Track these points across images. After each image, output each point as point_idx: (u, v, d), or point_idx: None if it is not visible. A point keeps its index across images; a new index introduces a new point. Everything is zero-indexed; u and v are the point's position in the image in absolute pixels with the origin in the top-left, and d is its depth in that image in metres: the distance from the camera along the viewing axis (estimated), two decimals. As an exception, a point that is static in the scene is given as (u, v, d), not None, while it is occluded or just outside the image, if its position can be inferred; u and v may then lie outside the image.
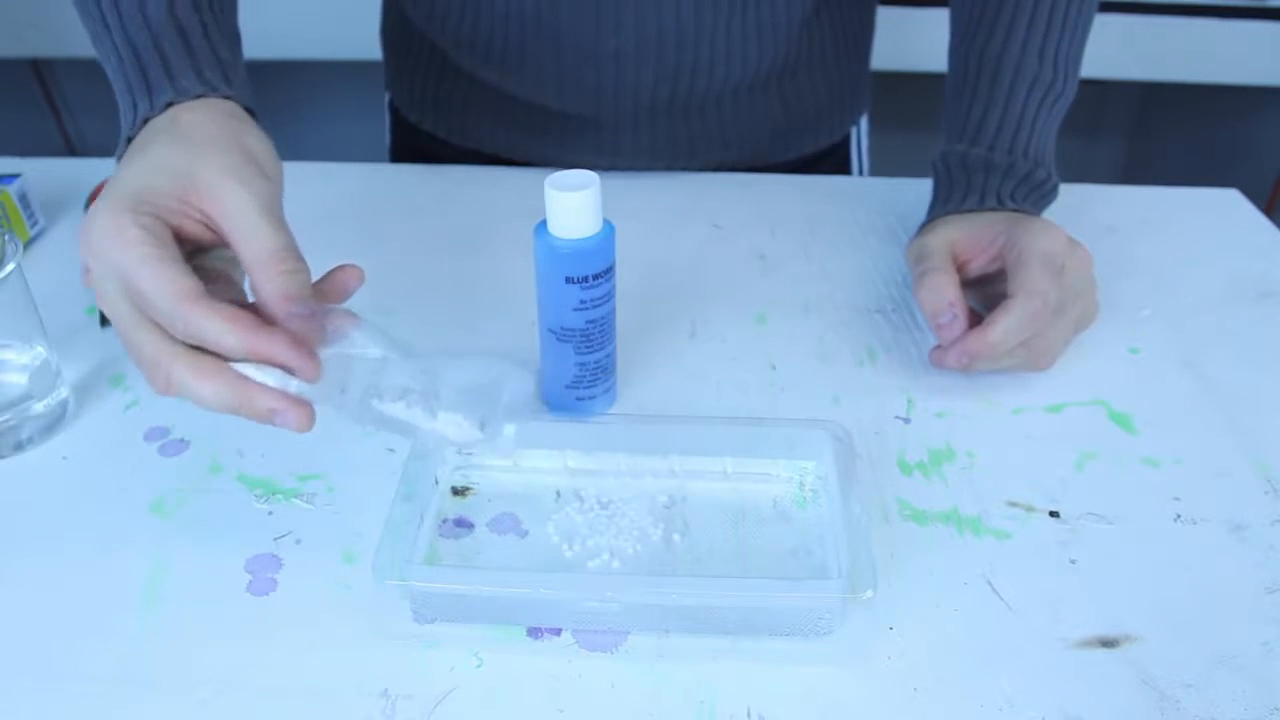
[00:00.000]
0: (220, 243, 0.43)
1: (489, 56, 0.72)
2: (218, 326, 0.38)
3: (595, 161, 0.75)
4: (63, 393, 0.53)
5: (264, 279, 0.40)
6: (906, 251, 0.62)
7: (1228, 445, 0.52)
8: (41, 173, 0.71)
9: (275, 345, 0.39)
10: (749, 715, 0.39)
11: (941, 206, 0.61)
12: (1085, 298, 0.56)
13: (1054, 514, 0.48)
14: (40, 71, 1.80)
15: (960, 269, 0.57)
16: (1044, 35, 0.61)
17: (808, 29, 0.73)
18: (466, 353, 0.41)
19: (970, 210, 0.60)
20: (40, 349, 0.52)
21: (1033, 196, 0.60)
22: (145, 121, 0.46)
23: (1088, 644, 0.42)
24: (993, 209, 0.59)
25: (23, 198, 0.67)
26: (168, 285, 0.38)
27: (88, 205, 0.70)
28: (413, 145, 0.84)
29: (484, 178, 0.76)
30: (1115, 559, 0.46)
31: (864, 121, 0.87)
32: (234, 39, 0.52)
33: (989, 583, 0.44)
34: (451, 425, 0.40)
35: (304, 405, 0.40)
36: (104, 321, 0.59)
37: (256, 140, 0.45)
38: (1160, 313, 0.62)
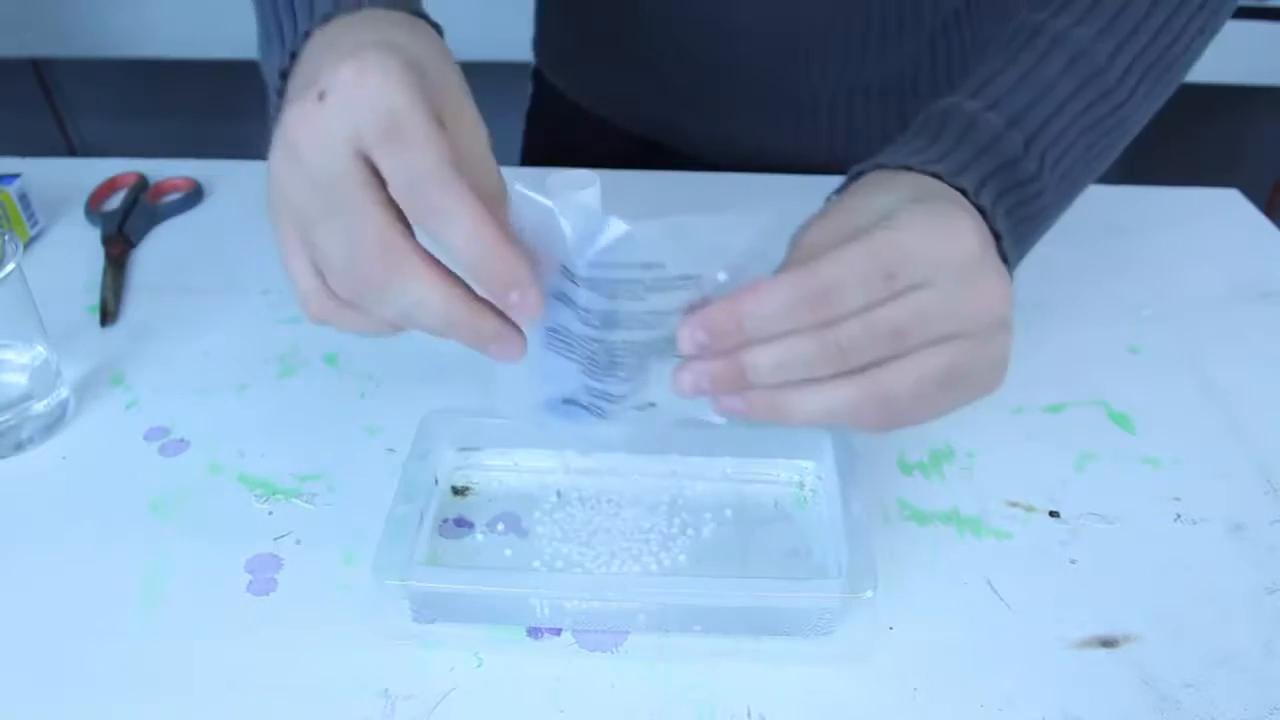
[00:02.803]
0: None
1: (637, 19, 0.71)
2: (477, 207, 0.34)
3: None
4: (63, 393, 0.53)
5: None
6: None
7: (1228, 445, 0.52)
8: (41, 173, 0.71)
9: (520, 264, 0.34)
10: (749, 715, 0.39)
11: (879, 155, 0.43)
12: (979, 342, 0.37)
13: (1054, 514, 0.48)
14: (40, 71, 1.80)
15: None
16: (1106, 29, 0.44)
17: (945, 35, 0.70)
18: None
19: (901, 167, 0.41)
20: (40, 349, 0.52)
21: (1008, 198, 0.42)
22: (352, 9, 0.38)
23: (1088, 644, 0.42)
24: (932, 174, 0.41)
25: (23, 198, 0.67)
26: (444, 148, 0.34)
27: (88, 205, 0.70)
28: (555, 112, 0.85)
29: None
30: (1115, 559, 0.46)
31: None
32: None
33: (989, 583, 0.44)
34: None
35: (520, 334, 0.36)
36: (104, 321, 0.59)
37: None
38: (1161, 312, 0.62)
